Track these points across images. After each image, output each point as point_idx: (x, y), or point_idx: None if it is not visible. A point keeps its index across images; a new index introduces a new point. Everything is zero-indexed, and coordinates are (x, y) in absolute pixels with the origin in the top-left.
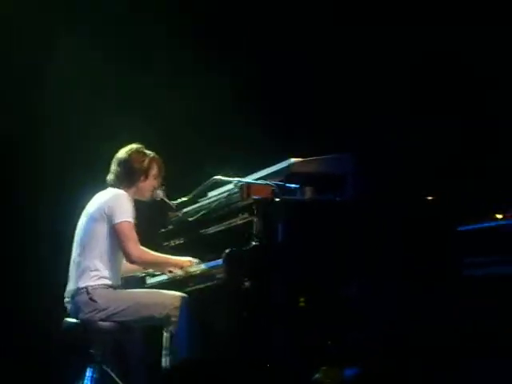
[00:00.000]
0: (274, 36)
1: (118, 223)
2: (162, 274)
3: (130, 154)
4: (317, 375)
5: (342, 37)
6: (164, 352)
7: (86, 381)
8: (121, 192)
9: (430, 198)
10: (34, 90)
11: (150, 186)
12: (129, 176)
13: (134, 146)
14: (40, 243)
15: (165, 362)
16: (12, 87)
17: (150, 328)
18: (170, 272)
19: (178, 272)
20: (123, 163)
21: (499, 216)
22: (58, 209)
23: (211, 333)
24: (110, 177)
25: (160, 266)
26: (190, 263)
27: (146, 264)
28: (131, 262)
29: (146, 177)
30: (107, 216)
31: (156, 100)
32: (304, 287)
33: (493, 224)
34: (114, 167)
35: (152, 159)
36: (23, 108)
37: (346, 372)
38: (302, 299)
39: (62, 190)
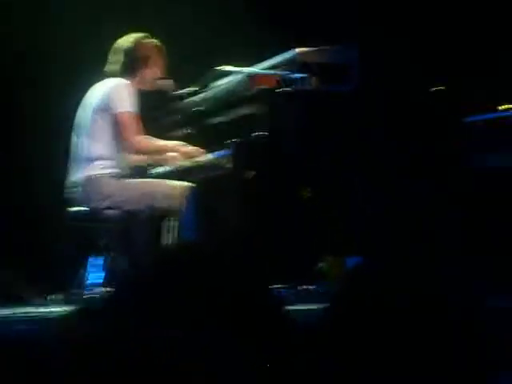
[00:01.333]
0: None
1: (119, 113)
2: (168, 164)
3: (133, 42)
4: (320, 264)
5: None
6: (164, 239)
7: (90, 268)
8: (123, 81)
9: (436, 88)
10: None
11: (154, 74)
12: (130, 64)
13: (135, 34)
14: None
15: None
16: None
17: (156, 218)
18: (175, 161)
19: (185, 162)
20: (124, 51)
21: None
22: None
23: (218, 223)
24: (110, 67)
25: (163, 151)
26: (196, 151)
27: (148, 152)
28: (132, 151)
29: (149, 64)
30: (109, 106)
31: None
32: (309, 178)
33: (502, 114)
34: (115, 57)
35: (156, 47)
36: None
37: (348, 261)
38: (306, 189)
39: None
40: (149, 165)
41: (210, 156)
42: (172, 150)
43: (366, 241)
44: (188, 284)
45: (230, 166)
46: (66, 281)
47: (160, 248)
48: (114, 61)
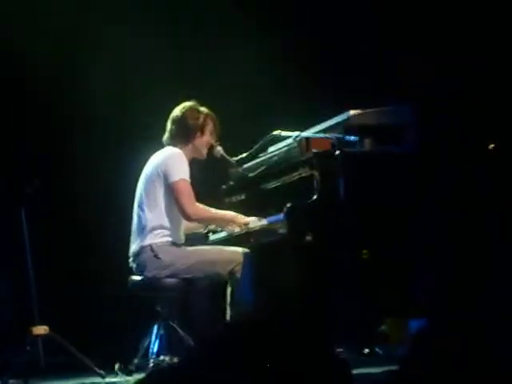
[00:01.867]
0: None
1: (173, 182)
2: (224, 230)
3: (184, 112)
4: (382, 327)
5: None
6: (228, 307)
7: (153, 338)
8: (176, 150)
9: (491, 146)
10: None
11: (206, 143)
12: (184, 133)
13: (187, 103)
14: (103, 211)
15: (229, 316)
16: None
17: (214, 284)
18: (231, 228)
19: (239, 228)
20: (178, 121)
21: None
22: (118, 178)
23: (274, 288)
24: (166, 136)
25: (216, 221)
26: (246, 220)
27: (202, 221)
28: (187, 219)
29: (202, 133)
30: (163, 175)
31: (211, 59)
32: (366, 239)
33: None
34: (169, 126)
35: (206, 115)
36: (75, 71)
37: (411, 323)
38: (365, 251)
39: (120, 155)
40: (206, 232)
41: (264, 221)
42: (228, 220)
43: (428, 303)
44: (252, 357)
45: (285, 231)
46: (131, 349)
47: (220, 321)
48: (168, 130)
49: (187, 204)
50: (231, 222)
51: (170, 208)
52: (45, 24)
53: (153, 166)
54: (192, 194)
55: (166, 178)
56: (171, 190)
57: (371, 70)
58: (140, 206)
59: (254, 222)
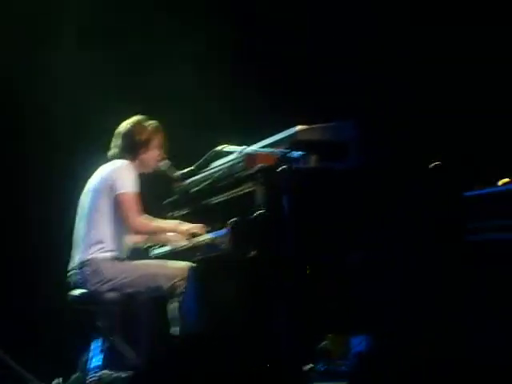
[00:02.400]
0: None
1: (120, 194)
2: (168, 244)
3: (131, 126)
4: (324, 343)
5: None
6: (171, 322)
7: (93, 352)
8: (124, 162)
9: (434, 164)
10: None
11: (154, 157)
12: (130, 148)
13: (134, 117)
14: (44, 220)
15: (173, 331)
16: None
17: (156, 298)
18: (174, 243)
19: (182, 242)
20: (124, 135)
21: (506, 180)
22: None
23: (218, 303)
24: (113, 151)
25: (161, 232)
26: (196, 228)
27: (148, 233)
28: (133, 231)
29: (148, 147)
30: (110, 187)
31: (158, 71)
32: (309, 255)
33: (500, 189)
34: (115, 141)
35: (153, 129)
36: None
37: (352, 340)
38: (308, 267)
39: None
40: (148, 246)
41: (209, 236)
42: (171, 230)
43: (369, 319)
44: (195, 371)
45: (229, 245)
46: (70, 364)
47: (162, 336)
48: (115, 145)
49: (133, 217)
50: (175, 230)
51: (115, 221)
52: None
53: (100, 178)
54: (137, 206)
55: (113, 190)
56: (117, 202)
57: (317, 86)
58: (83, 219)
59: (196, 227)
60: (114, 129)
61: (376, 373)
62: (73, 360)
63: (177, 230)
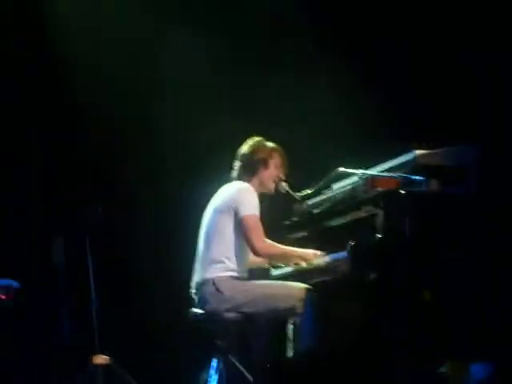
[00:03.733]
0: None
1: (243, 216)
2: (287, 266)
3: (250, 146)
4: (442, 369)
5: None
6: (288, 343)
7: (211, 371)
8: (246, 185)
9: None
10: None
11: (272, 176)
12: (250, 166)
13: (254, 138)
14: (165, 239)
15: (289, 352)
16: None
17: (275, 319)
18: (296, 264)
19: (303, 264)
20: (244, 155)
21: None
22: (183, 206)
23: (336, 326)
24: (234, 173)
25: (285, 258)
26: (314, 256)
27: (271, 257)
28: (257, 254)
29: (267, 166)
30: (233, 209)
31: (276, 98)
32: (429, 280)
33: None
34: (236, 162)
35: (272, 149)
36: (141, 107)
37: (472, 367)
38: (427, 292)
39: (187, 188)
40: (269, 267)
41: (327, 258)
42: (296, 258)
43: (490, 347)
44: None
45: (347, 268)
46: (192, 382)
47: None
48: (235, 166)
49: (257, 239)
50: (301, 258)
51: (236, 242)
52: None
53: (222, 199)
54: (261, 229)
55: (236, 212)
56: (241, 225)
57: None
58: (206, 238)
59: (321, 258)
60: (236, 150)
61: None
62: (191, 379)
63: (304, 258)
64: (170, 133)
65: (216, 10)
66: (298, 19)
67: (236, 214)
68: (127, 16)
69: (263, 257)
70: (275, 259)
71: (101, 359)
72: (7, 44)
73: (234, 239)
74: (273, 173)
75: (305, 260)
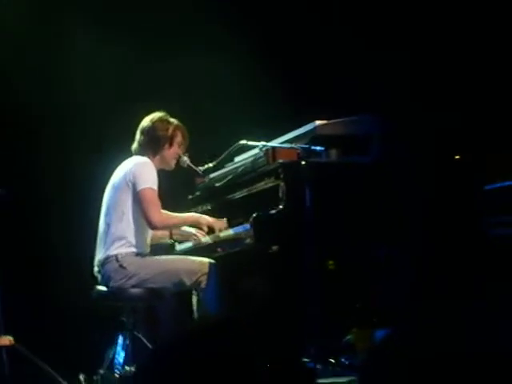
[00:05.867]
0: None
1: (140, 190)
2: (190, 240)
3: (154, 122)
4: (348, 337)
5: None
6: (194, 316)
7: (118, 347)
8: (144, 159)
9: (456, 157)
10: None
11: (175, 154)
12: (153, 144)
13: (157, 113)
14: (70, 218)
15: None
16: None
17: (179, 294)
18: (196, 239)
19: (207, 238)
20: (147, 131)
21: None
22: (89, 183)
23: (241, 298)
24: (135, 145)
25: (181, 224)
26: (210, 221)
27: (167, 227)
28: (153, 227)
29: (171, 144)
30: (131, 183)
31: (177, 67)
32: (332, 250)
33: None
34: (138, 136)
35: (176, 127)
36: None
37: (376, 333)
38: (330, 262)
39: (93, 164)
40: (173, 242)
41: (230, 231)
42: (193, 222)
43: (393, 312)
44: (215, 360)
45: (251, 241)
46: (95, 360)
47: (183, 324)
48: (137, 140)
49: (152, 213)
50: (195, 222)
51: (136, 217)
52: None
53: (121, 175)
54: (158, 202)
55: (133, 186)
56: (138, 198)
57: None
58: (106, 216)
59: (220, 224)
60: (137, 124)
61: (387, 366)
62: (97, 356)
63: (199, 222)
64: (71, 107)
65: None
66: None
67: (134, 189)
68: None
69: (158, 229)
70: (171, 228)
71: (4, 340)
72: None
73: (134, 215)
74: (176, 150)
75: (199, 224)
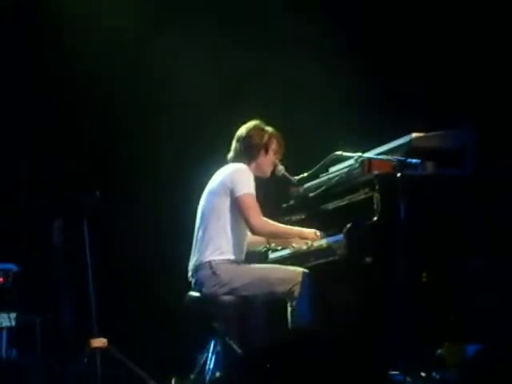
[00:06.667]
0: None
1: (240, 195)
2: (284, 248)
3: (249, 130)
4: (439, 351)
5: None
6: (288, 326)
7: (209, 354)
8: (241, 165)
9: None
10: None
11: (270, 162)
12: (248, 151)
13: (253, 122)
14: (164, 224)
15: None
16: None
17: (272, 302)
18: (293, 247)
19: (302, 246)
20: (242, 139)
21: None
22: (179, 189)
23: (332, 308)
24: (231, 154)
25: (283, 236)
26: (313, 235)
27: (269, 234)
28: (254, 232)
29: (266, 152)
30: (229, 189)
31: (278, 78)
32: (425, 262)
33: None
34: (234, 144)
35: (271, 134)
36: (138, 95)
37: (468, 348)
38: (424, 274)
39: (182, 172)
40: (266, 249)
41: (324, 241)
42: (296, 235)
43: (486, 328)
44: (304, 371)
45: (344, 251)
46: (190, 364)
47: (274, 334)
48: (233, 148)
49: (254, 217)
50: (299, 236)
51: (234, 223)
52: None
53: (218, 181)
54: (258, 207)
55: (232, 192)
56: (237, 204)
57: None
58: (202, 221)
59: (317, 240)
60: (234, 133)
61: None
62: (189, 360)
63: (302, 236)
64: (165, 118)
65: None
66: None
67: (232, 195)
68: None
69: (261, 235)
70: (274, 237)
71: (99, 342)
72: None
73: (231, 221)
74: (271, 158)
75: (303, 238)
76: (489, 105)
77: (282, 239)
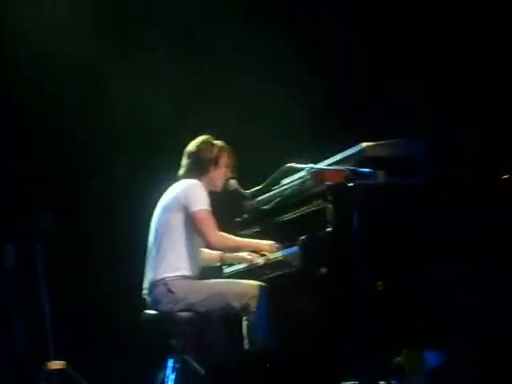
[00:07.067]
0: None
1: (195, 211)
2: (239, 263)
3: (198, 145)
4: (397, 358)
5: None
6: (244, 340)
7: (168, 371)
8: (195, 181)
9: (504, 177)
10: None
11: (222, 175)
12: (199, 166)
13: (201, 137)
14: (117, 242)
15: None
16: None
17: (228, 317)
18: (249, 260)
19: (257, 260)
20: (192, 155)
21: None
22: (132, 206)
23: (289, 320)
24: (182, 171)
25: (240, 250)
26: (269, 246)
27: (226, 248)
28: (212, 247)
29: (216, 165)
30: (183, 205)
31: (228, 90)
32: (381, 271)
33: None
34: (184, 161)
35: (221, 148)
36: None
37: (426, 355)
38: (379, 283)
39: (135, 187)
40: (221, 265)
41: (279, 254)
42: (255, 248)
43: (444, 334)
44: None
45: (299, 263)
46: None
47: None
48: (183, 164)
49: (210, 232)
50: (255, 248)
51: (188, 239)
52: None
53: (171, 197)
54: (214, 222)
55: (186, 207)
56: (192, 220)
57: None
58: (156, 238)
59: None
60: (183, 149)
61: None
62: (149, 379)
63: (259, 249)
64: (118, 134)
65: None
66: None
67: (186, 210)
68: None
69: (218, 249)
70: (231, 251)
71: (56, 365)
72: None
73: (185, 237)
74: (222, 171)
75: (260, 250)
76: (439, 112)
77: (236, 255)
